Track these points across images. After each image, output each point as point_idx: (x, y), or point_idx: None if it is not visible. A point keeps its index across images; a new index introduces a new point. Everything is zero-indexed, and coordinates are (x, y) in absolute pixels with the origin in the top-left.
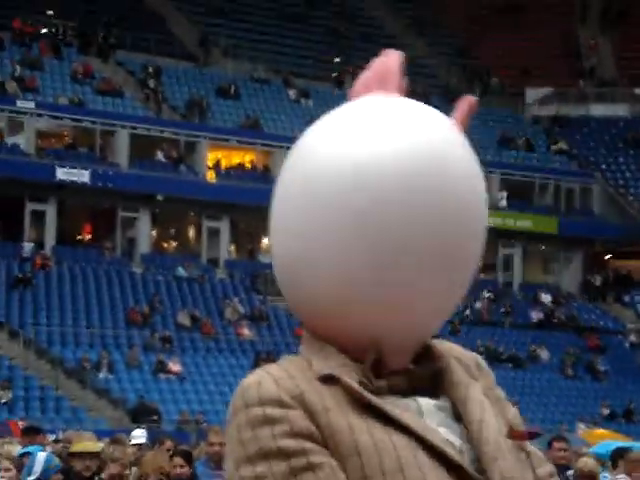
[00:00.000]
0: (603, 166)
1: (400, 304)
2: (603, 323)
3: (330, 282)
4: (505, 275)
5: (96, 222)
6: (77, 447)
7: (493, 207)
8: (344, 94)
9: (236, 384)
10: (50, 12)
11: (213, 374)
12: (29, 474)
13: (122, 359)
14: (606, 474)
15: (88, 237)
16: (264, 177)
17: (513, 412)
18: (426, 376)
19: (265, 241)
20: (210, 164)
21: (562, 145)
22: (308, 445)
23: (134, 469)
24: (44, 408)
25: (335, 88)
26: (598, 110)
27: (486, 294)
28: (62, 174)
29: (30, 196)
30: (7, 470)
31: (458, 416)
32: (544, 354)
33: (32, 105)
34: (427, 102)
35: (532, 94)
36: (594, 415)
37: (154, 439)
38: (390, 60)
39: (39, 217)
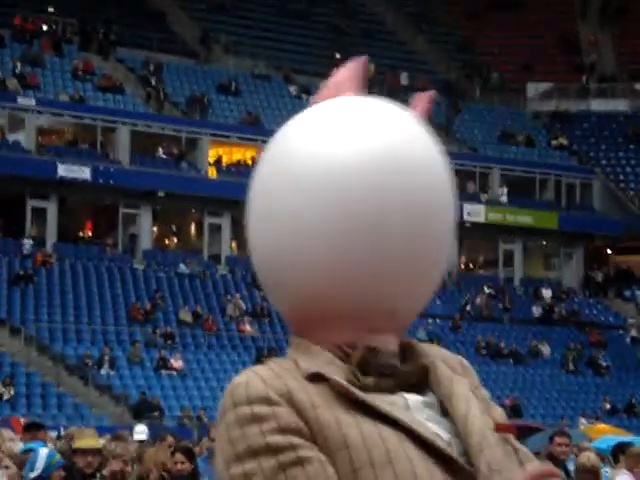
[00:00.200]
0: (603, 161)
1: (379, 295)
2: (604, 318)
3: (311, 278)
4: (506, 271)
5: (97, 219)
6: (79, 443)
7: (494, 202)
8: None
9: None
10: (51, 9)
11: (215, 370)
12: (31, 470)
13: (124, 355)
14: (607, 469)
15: (89, 234)
16: None
17: (499, 412)
18: (412, 374)
19: None
20: (211, 160)
21: (562, 140)
22: (296, 440)
23: (135, 466)
24: (46, 405)
25: None
26: (598, 105)
27: (487, 290)
28: (63, 171)
29: (31, 193)
30: (7, 468)
31: (445, 412)
32: (545, 349)
33: (33, 102)
34: None
35: (532, 89)
36: (596, 410)
37: (156, 435)
38: (354, 66)
39: (40, 214)
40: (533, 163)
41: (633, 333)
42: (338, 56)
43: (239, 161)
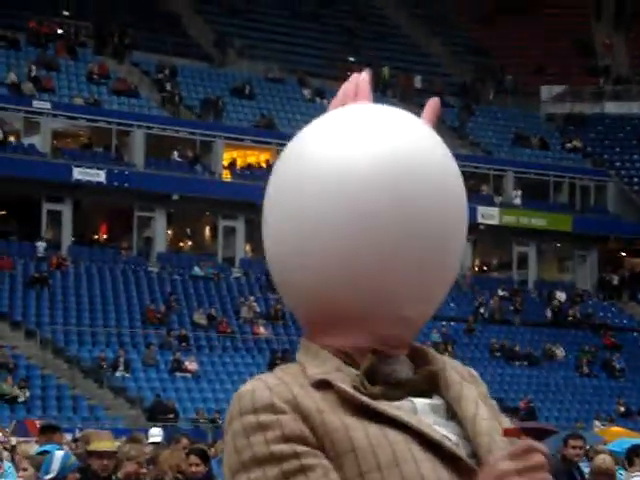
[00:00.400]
0: (617, 164)
1: (390, 298)
2: (618, 321)
3: (320, 279)
4: (520, 273)
5: (112, 222)
6: (95, 446)
7: (508, 205)
8: None
9: None
10: (66, 13)
11: (229, 373)
12: (46, 473)
13: (139, 358)
14: (622, 472)
15: (104, 237)
16: None
17: (507, 421)
18: (421, 382)
19: None
20: (225, 163)
21: (576, 143)
22: (300, 448)
23: (151, 468)
24: (61, 407)
25: None
26: (612, 108)
27: (501, 292)
28: (78, 174)
29: (46, 196)
30: (25, 470)
31: (453, 416)
32: (559, 352)
33: (48, 105)
34: (441, 100)
35: (546, 92)
36: (610, 413)
37: (170, 438)
38: (360, 78)
39: (55, 217)
40: (547, 166)
41: None
42: (352, 59)
43: (253, 164)
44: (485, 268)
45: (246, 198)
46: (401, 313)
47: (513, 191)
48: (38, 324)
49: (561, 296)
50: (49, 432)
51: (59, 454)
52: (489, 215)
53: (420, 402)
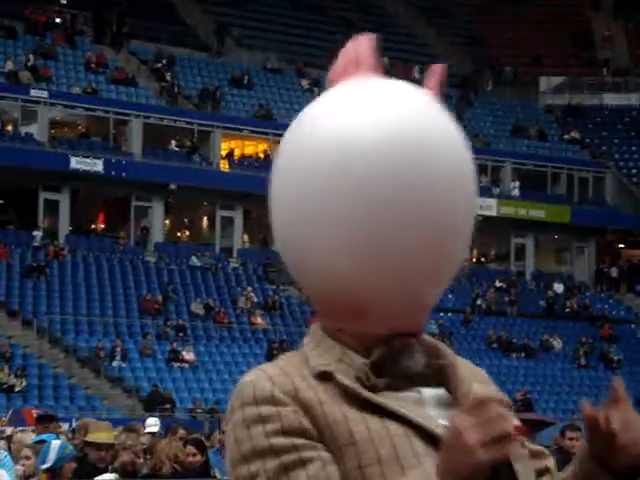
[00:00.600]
0: (616, 155)
1: (399, 274)
2: (616, 312)
3: (329, 257)
4: (518, 265)
5: (110, 211)
6: (94, 436)
7: (505, 196)
8: None
9: None
10: (64, 1)
11: (226, 363)
12: (43, 462)
13: (136, 348)
14: None
15: (102, 226)
16: None
17: (516, 421)
18: (431, 377)
19: None
20: (223, 153)
21: (575, 134)
22: (299, 441)
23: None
24: (58, 396)
25: None
26: (611, 99)
27: (498, 284)
28: (76, 163)
29: (44, 185)
30: (28, 458)
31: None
32: (557, 343)
33: (46, 94)
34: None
35: (545, 83)
36: None
37: (167, 428)
38: (362, 44)
39: (53, 206)
40: (545, 157)
41: None
42: None
43: (251, 154)
44: (483, 259)
45: (244, 188)
46: (414, 293)
47: (511, 182)
48: (35, 313)
49: (559, 287)
50: (46, 421)
51: (56, 443)
52: (487, 206)
53: (427, 393)
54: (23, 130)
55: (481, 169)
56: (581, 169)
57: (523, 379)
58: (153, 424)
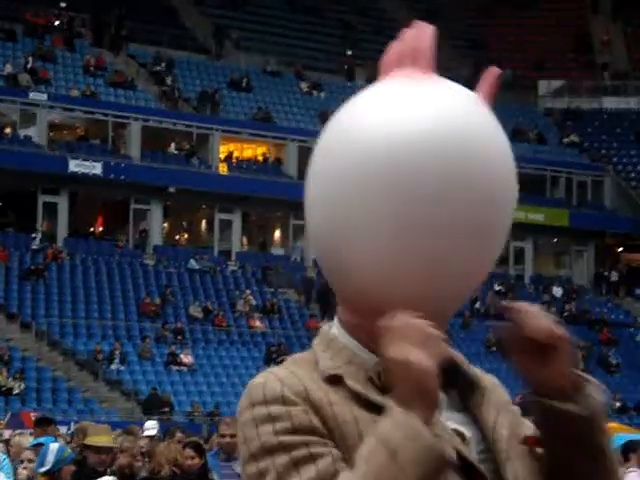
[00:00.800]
0: (615, 159)
1: (432, 271)
2: (615, 316)
3: (363, 251)
4: (516, 268)
5: (108, 214)
6: (94, 440)
7: None
8: (356, 86)
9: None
10: (63, 4)
11: (225, 366)
12: (41, 465)
13: (134, 351)
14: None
15: (100, 229)
16: (276, 169)
17: (528, 426)
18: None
19: (277, 233)
20: (222, 156)
21: (574, 138)
22: (309, 438)
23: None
24: (56, 399)
25: (347, 81)
26: (610, 103)
27: (497, 287)
28: (74, 166)
29: (42, 188)
30: (30, 461)
31: (466, 406)
32: None
33: (44, 97)
34: None
35: (544, 87)
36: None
37: (165, 431)
38: (423, 34)
39: (51, 209)
40: (544, 160)
41: None
42: (349, 52)
43: (250, 157)
44: None
45: (243, 191)
46: (447, 297)
47: None
48: (34, 316)
49: (557, 291)
50: (44, 424)
51: (54, 446)
52: None
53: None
54: (22, 133)
55: None
56: (580, 173)
57: (522, 383)
58: (152, 427)
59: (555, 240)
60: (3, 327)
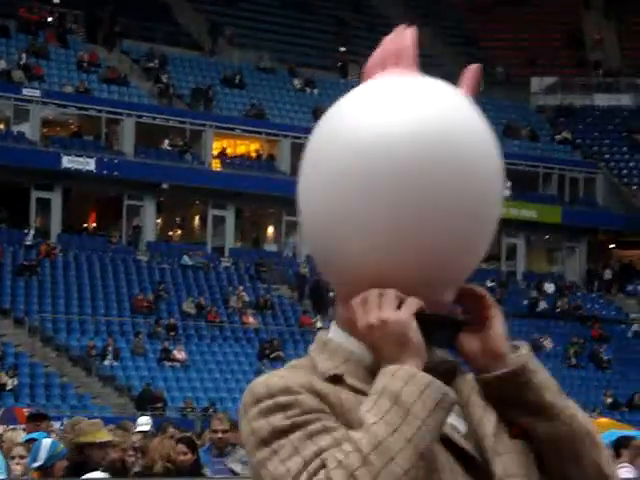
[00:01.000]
0: (607, 156)
1: (424, 264)
2: (606, 312)
3: (370, 252)
4: (508, 265)
5: (101, 210)
6: (96, 437)
7: None
8: (349, 83)
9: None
10: (56, 0)
11: (218, 362)
12: (34, 461)
13: (127, 347)
14: None
15: (93, 225)
16: (269, 166)
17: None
18: (440, 372)
19: (270, 230)
20: (215, 153)
21: (566, 135)
22: (321, 415)
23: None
24: (49, 395)
25: (340, 77)
26: (602, 100)
27: (489, 284)
28: (68, 162)
29: (36, 184)
30: (22, 457)
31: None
32: (547, 343)
33: (38, 93)
34: None
35: (536, 84)
36: (597, 404)
37: (158, 426)
38: (404, 37)
39: (45, 205)
40: (537, 157)
41: (635, 327)
42: (343, 49)
43: (243, 154)
44: None
45: (236, 187)
46: (441, 286)
47: None
48: (27, 312)
49: (549, 288)
50: (37, 420)
51: (47, 442)
52: None
53: None
54: (15, 129)
55: None
56: (572, 169)
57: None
58: (145, 423)
59: (547, 237)
60: None
